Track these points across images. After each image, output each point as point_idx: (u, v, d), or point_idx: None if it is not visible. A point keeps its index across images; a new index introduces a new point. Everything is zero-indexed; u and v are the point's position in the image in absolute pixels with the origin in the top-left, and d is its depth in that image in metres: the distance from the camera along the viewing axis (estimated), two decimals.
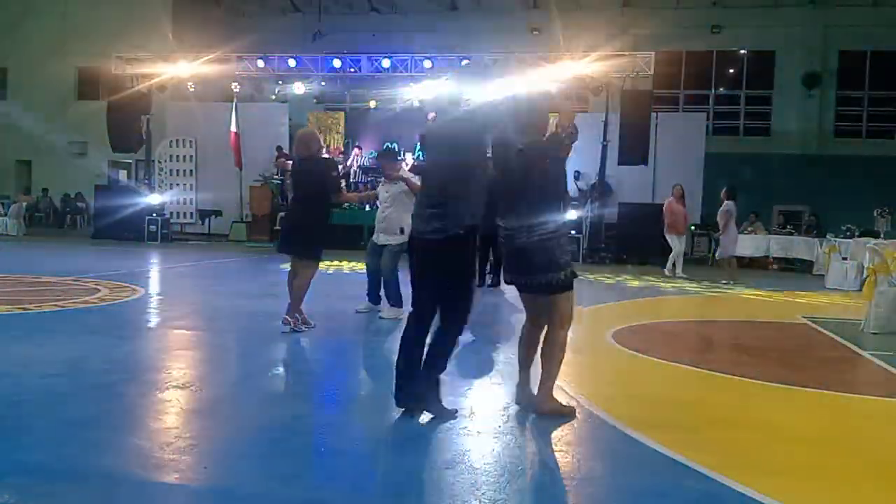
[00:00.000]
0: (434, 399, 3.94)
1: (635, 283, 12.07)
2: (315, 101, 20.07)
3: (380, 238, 7.35)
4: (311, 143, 6.59)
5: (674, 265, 13.05)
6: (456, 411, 3.99)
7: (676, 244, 13.05)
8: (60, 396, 4.22)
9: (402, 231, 7.02)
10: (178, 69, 17.65)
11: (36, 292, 8.44)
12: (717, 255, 12.83)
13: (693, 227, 16.63)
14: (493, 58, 16.57)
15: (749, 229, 16.60)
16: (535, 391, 4.14)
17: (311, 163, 6.50)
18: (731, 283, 12.18)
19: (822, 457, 3.69)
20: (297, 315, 6.33)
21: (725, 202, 12.52)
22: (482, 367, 5.51)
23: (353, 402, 4.43)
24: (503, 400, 4.52)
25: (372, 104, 19.41)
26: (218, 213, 19.36)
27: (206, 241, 18.50)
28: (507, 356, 5.89)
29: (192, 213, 19.81)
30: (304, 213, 6.42)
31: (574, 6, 22.58)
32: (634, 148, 15.54)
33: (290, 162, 18.92)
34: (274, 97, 19.38)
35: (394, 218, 7.20)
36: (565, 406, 4.16)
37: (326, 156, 6.80)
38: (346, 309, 7.84)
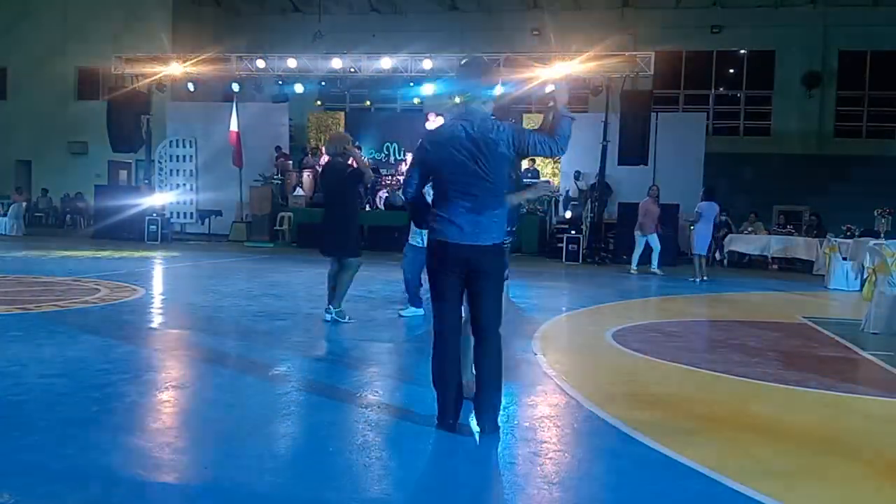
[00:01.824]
0: None
1: (634, 283, 12.08)
2: (318, 102, 20.03)
3: (417, 240, 7.31)
4: (333, 146, 7.02)
5: (640, 262, 13.35)
6: None
7: (641, 241, 13.38)
8: (60, 396, 4.22)
9: None
10: (177, 69, 17.65)
11: (36, 292, 8.44)
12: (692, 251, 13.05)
13: (692, 228, 16.63)
14: (494, 58, 16.55)
15: (749, 229, 16.60)
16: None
17: (334, 165, 6.91)
18: (698, 280, 12.31)
19: (822, 457, 3.69)
20: (338, 308, 6.91)
21: (701, 202, 12.77)
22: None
23: (353, 402, 4.43)
24: (503, 400, 4.52)
25: (367, 103, 19.42)
26: (218, 213, 19.35)
27: (206, 241, 18.50)
28: (504, 356, 5.89)
29: (192, 213, 19.79)
30: (336, 215, 6.85)
31: (574, 6, 22.58)
32: (634, 148, 15.54)
33: (290, 162, 19.06)
34: (272, 100, 19.34)
35: None
36: None
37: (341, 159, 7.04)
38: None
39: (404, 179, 4.10)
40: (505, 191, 3.88)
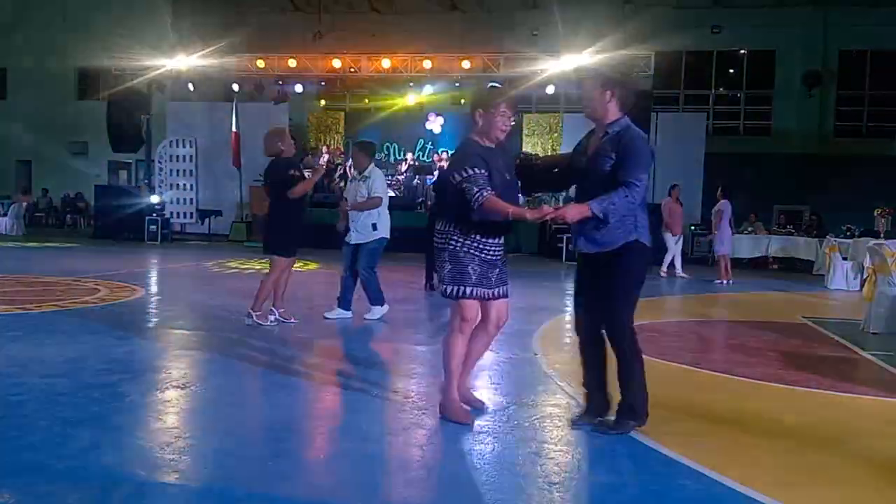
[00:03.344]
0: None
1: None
2: (323, 102, 19.98)
3: (352, 237, 7.12)
4: (269, 143, 6.68)
5: (671, 265, 13.13)
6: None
7: (672, 243, 13.12)
8: (60, 396, 4.22)
9: (374, 227, 7.02)
10: (177, 69, 17.66)
11: (36, 292, 8.44)
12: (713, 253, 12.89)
13: (692, 227, 16.64)
14: (493, 58, 16.58)
15: (749, 229, 16.60)
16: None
17: (273, 162, 6.67)
18: (725, 282, 12.21)
19: (823, 457, 3.69)
20: (257, 311, 6.65)
21: (720, 201, 12.60)
22: (480, 368, 5.51)
23: (352, 402, 4.43)
24: (503, 400, 4.52)
25: (366, 101, 19.40)
26: (218, 213, 19.36)
27: (206, 241, 18.50)
28: (505, 356, 5.89)
29: (192, 213, 19.81)
30: (270, 211, 6.65)
31: (574, 6, 22.57)
32: None
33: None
34: (274, 102, 19.30)
35: (364, 215, 7.02)
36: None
37: (288, 155, 6.84)
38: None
39: (642, 185, 3.70)
40: None
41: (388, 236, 7.22)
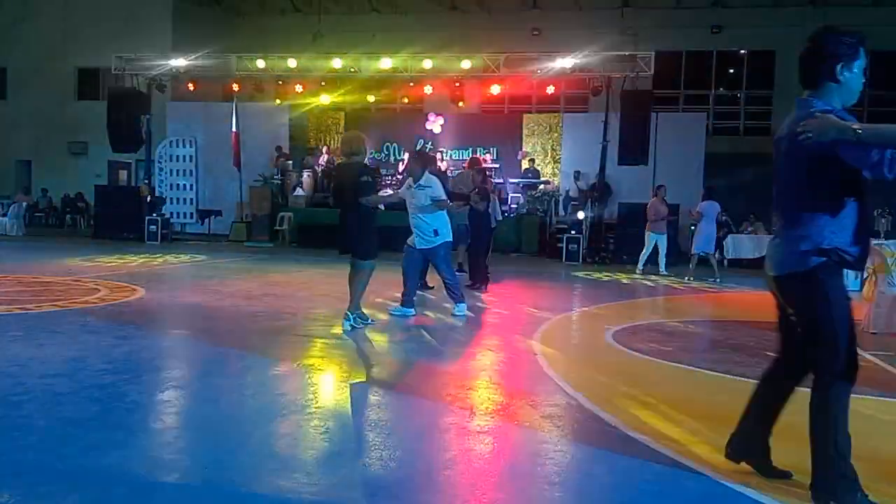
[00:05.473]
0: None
1: (634, 284, 12.07)
2: (329, 102, 19.95)
3: (416, 242, 7.51)
4: (344, 147, 7.04)
5: (653, 263, 13.25)
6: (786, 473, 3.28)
7: (652, 241, 13.29)
8: (60, 396, 4.22)
9: (436, 233, 7.39)
10: (177, 68, 17.67)
11: (36, 292, 8.44)
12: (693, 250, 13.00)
13: (692, 227, 16.63)
14: (493, 58, 16.58)
15: (749, 229, 16.59)
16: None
17: (346, 167, 6.88)
18: (690, 279, 12.28)
19: None
20: (356, 312, 6.73)
21: (701, 203, 12.83)
22: (480, 368, 5.51)
23: (353, 402, 4.43)
24: (503, 400, 4.52)
25: (370, 98, 19.38)
26: (218, 213, 19.36)
27: (206, 241, 18.49)
28: (505, 356, 5.89)
29: (192, 213, 19.80)
30: (347, 215, 6.74)
31: (574, 6, 22.59)
32: (634, 148, 15.55)
33: (290, 162, 19.06)
34: (278, 101, 19.27)
35: (427, 222, 7.39)
36: None
37: (366, 161, 7.15)
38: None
39: None
40: (807, 203, 3.09)
41: (451, 238, 7.68)
